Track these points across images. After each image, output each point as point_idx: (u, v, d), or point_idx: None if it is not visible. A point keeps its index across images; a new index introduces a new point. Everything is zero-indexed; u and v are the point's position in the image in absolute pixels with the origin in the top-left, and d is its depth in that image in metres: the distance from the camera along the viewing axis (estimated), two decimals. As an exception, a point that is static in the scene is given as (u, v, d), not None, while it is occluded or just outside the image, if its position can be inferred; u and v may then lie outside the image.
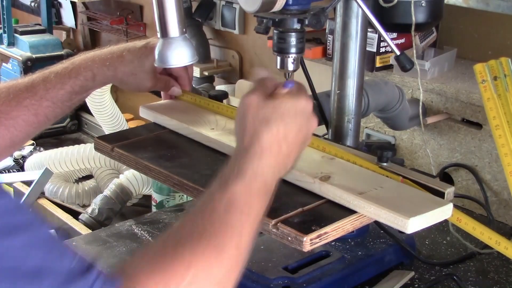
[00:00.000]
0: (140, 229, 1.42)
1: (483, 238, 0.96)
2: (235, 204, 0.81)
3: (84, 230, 1.81)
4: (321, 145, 1.08)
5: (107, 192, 2.03)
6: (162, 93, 1.30)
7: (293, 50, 1.13)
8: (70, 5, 3.07)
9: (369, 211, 0.90)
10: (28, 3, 3.28)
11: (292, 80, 1.01)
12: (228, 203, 0.81)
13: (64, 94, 1.15)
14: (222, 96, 1.88)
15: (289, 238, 0.88)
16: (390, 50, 1.51)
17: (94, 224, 1.95)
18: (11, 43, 2.88)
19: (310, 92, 1.30)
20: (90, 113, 2.51)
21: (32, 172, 2.20)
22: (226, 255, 0.77)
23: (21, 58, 2.78)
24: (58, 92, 1.14)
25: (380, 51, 1.62)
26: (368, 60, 1.55)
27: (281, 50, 1.13)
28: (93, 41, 3.12)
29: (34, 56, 2.79)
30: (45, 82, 1.14)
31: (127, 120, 2.51)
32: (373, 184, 0.96)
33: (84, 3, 2.96)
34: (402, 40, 1.59)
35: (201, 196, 0.85)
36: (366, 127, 1.71)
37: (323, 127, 1.31)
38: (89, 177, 2.40)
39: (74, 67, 1.16)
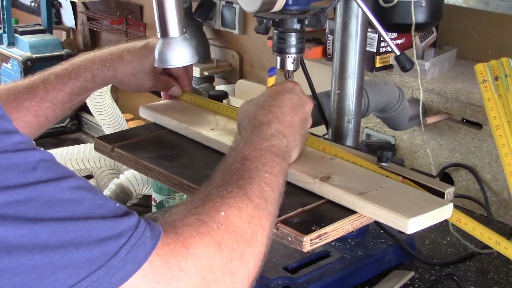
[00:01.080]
0: (140, 229, 1.41)
1: (483, 238, 0.96)
2: (248, 160, 0.85)
3: (84, 230, 1.80)
4: (321, 145, 1.08)
5: (107, 192, 2.03)
6: (162, 93, 1.30)
7: (293, 50, 1.13)
8: (70, 5, 3.07)
9: (369, 211, 0.90)
10: (28, 3, 3.29)
11: (273, 67, 1.09)
12: (243, 159, 0.85)
13: (64, 95, 1.15)
14: (222, 96, 1.89)
15: (289, 238, 0.87)
16: (390, 50, 1.51)
17: (94, 224, 1.94)
18: (11, 43, 2.88)
19: (309, 92, 1.30)
20: (90, 113, 2.51)
21: (32, 172, 2.19)
22: (251, 195, 0.79)
23: (21, 58, 2.78)
24: (58, 93, 1.14)
25: (380, 51, 1.62)
26: (368, 60, 1.55)
27: (281, 50, 1.13)
28: (93, 41, 3.12)
29: (34, 56, 2.79)
30: (45, 83, 1.14)
31: (127, 120, 2.52)
32: (373, 184, 0.96)
33: (84, 3, 2.96)
34: (402, 40, 1.59)
35: (216, 167, 0.87)
36: (366, 127, 1.71)
37: (323, 127, 1.31)
38: (89, 177, 2.40)
39: (74, 68, 1.16)
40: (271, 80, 1.07)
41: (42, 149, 0.69)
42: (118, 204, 0.68)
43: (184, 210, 0.75)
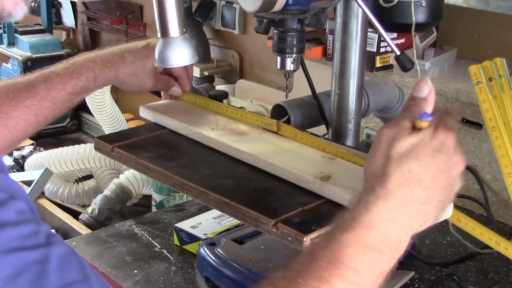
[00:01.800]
0: (140, 229, 1.42)
1: (483, 239, 0.96)
2: (340, 259, 0.69)
3: (84, 230, 1.81)
4: (321, 145, 1.08)
5: (107, 192, 2.03)
6: (162, 93, 1.30)
7: (293, 50, 1.13)
8: (70, 5, 3.06)
9: (369, 211, 0.90)
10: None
11: (426, 113, 0.78)
12: (332, 257, 0.69)
13: (64, 95, 1.15)
14: (222, 96, 1.89)
15: (289, 238, 0.87)
16: (390, 50, 1.51)
17: (94, 224, 1.95)
18: (11, 43, 2.88)
19: (310, 92, 1.30)
20: (90, 113, 2.51)
21: (32, 172, 2.20)
22: None
23: (21, 58, 2.78)
24: (59, 93, 1.14)
25: (380, 51, 1.62)
26: (368, 60, 1.55)
27: (281, 50, 1.13)
28: (93, 41, 3.12)
29: (34, 56, 2.79)
30: (46, 82, 1.14)
31: (127, 120, 2.51)
32: (373, 184, 0.96)
33: (84, 3, 2.96)
34: (402, 40, 1.58)
35: (306, 248, 0.75)
36: (366, 127, 1.71)
37: (323, 127, 1.31)
38: (89, 177, 2.40)
39: (76, 68, 1.16)
40: (421, 124, 0.79)
41: (53, 245, 0.61)
42: None
43: None
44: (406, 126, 0.76)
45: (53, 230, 0.65)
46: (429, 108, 0.79)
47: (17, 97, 1.11)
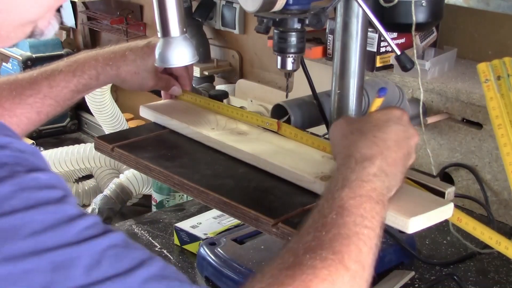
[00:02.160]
0: (140, 229, 1.42)
1: (484, 238, 0.96)
2: (346, 210, 0.76)
3: (84, 230, 1.80)
4: (322, 144, 1.08)
5: (107, 191, 2.03)
6: (162, 92, 1.30)
7: (293, 50, 1.13)
8: (70, 5, 3.06)
9: (369, 211, 0.90)
10: (28, 3, 3.28)
11: (384, 88, 0.98)
12: (339, 209, 0.76)
13: (67, 93, 1.15)
14: (222, 96, 1.89)
15: (290, 238, 0.87)
16: (390, 50, 1.51)
17: (94, 224, 1.94)
18: (11, 43, 2.88)
19: (310, 92, 1.30)
20: (90, 113, 2.51)
21: (32, 172, 2.19)
22: (347, 261, 0.71)
23: (21, 58, 2.78)
24: (61, 90, 1.14)
25: (381, 51, 1.62)
26: (368, 60, 1.54)
27: (282, 50, 1.13)
28: (93, 41, 3.12)
29: (34, 55, 2.79)
30: (49, 80, 1.14)
31: (127, 120, 2.51)
32: (374, 184, 0.96)
33: (84, 3, 2.96)
34: (403, 40, 1.58)
35: (310, 214, 0.78)
36: (366, 127, 1.71)
37: (323, 127, 1.31)
38: (89, 176, 2.40)
39: (79, 66, 1.16)
40: (378, 101, 0.99)
41: (113, 230, 0.62)
42: None
43: (270, 279, 0.67)
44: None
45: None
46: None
47: (20, 95, 1.11)
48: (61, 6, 0.71)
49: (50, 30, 0.72)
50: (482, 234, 0.95)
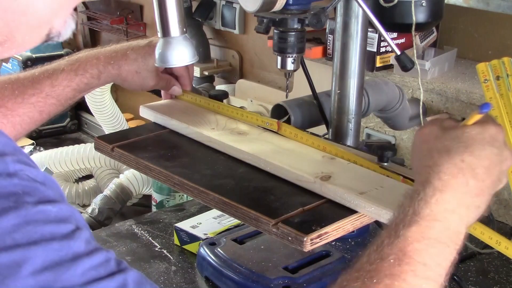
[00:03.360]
0: (140, 229, 1.42)
1: (484, 238, 0.96)
2: (408, 254, 0.69)
3: (84, 230, 1.80)
4: (322, 144, 1.08)
5: (107, 192, 2.03)
6: (162, 92, 1.30)
7: (293, 50, 1.13)
8: (70, 5, 3.06)
9: (370, 211, 0.90)
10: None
11: (487, 103, 0.82)
12: (400, 253, 0.69)
13: (69, 92, 1.14)
14: (222, 96, 1.88)
15: (290, 238, 0.87)
16: (390, 50, 1.51)
17: (94, 224, 1.95)
18: (11, 43, 2.88)
19: (310, 92, 1.30)
20: (90, 113, 2.51)
21: (32, 172, 2.19)
22: None
23: (21, 58, 2.78)
24: (64, 89, 1.14)
25: (381, 51, 1.62)
26: (368, 60, 1.55)
27: (282, 50, 1.13)
28: (93, 41, 3.12)
29: (34, 55, 2.79)
30: (51, 79, 1.13)
31: (127, 120, 2.52)
32: (374, 184, 0.96)
33: (84, 3, 2.96)
34: (403, 40, 1.58)
35: (368, 247, 0.72)
36: (366, 127, 1.71)
37: (323, 127, 1.31)
38: (89, 176, 2.40)
39: (81, 64, 1.16)
40: (476, 117, 0.82)
41: (125, 270, 0.59)
42: None
43: None
44: (449, 121, 0.79)
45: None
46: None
47: (23, 94, 1.11)
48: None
49: (67, 30, 0.69)
50: (482, 234, 0.95)
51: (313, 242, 0.86)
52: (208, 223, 1.35)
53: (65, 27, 0.68)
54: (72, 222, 0.59)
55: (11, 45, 0.64)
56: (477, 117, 0.82)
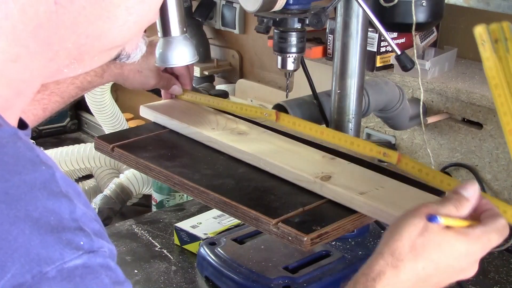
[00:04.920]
0: (140, 228, 1.42)
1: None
2: None
3: (84, 230, 1.80)
4: (319, 130, 1.08)
5: (107, 191, 2.03)
6: (162, 92, 1.30)
7: (293, 49, 1.13)
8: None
9: (370, 211, 0.90)
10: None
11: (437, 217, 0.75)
12: None
13: (73, 89, 1.15)
14: (222, 96, 1.88)
15: (290, 238, 0.87)
16: (390, 49, 1.51)
17: (94, 223, 1.94)
18: (11, 43, 2.88)
19: (310, 92, 1.30)
20: (90, 113, 2.51)
21: (32, 172, 2.19)
22: None
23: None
24: (68, 86, 1.14)
25: (381, 51, 1.62)
26: (368, 60, 1.54)
27: (282, 49, 1.13)
28: (93, 40, 3.12)
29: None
30: None
31: (127, 120, 2.51)
32: (374, 184, 0.96)
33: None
34: (403, 40, 1.58)
35: None
36: (367, 127, 1.71)
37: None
38: (89, 176, 2.39)
39: None
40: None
41: None
42: None
43: None
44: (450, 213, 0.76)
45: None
46: (466, 209, 0.77)
47: None
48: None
49: (138, 54, 0.68)
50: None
51: (313, 242, 0.86)
52: (208, 223, 1.35)
53: (136, 51, 0.67)
54: (113, 256, 0.58)
55: (77, 66, 0.63)
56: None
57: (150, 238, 1.38)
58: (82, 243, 0.53)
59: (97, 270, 0.53)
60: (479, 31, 1.09)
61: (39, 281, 0.50)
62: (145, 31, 0.68)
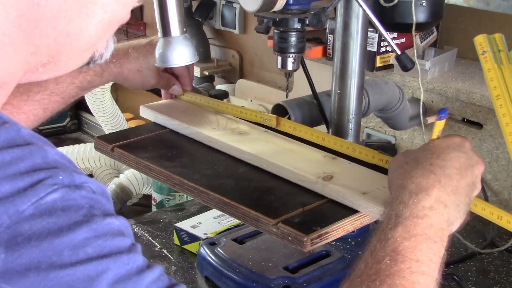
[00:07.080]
0: (140, 228, 1.42)
1: (485, 214, 0.95)
2: (401, 253, 0.72)
3: (84, 230, 1.80)
4: (320, 135, 1.08)
5: (107, 191, 2.03)
6: (162, 92, 1.30)
7: (293, 49, 1.13)
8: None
9: (372, 211, 0.90)
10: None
11: (445, 108, 0.88)
12: (393, 254, 0.72)
13: (73, 89, 1.15)
14: (222, 96, 1.89)
15: (290, 238, 0.87)
16: (390, 49, 1.51)
17: (94, 223, 1.94)
18: (11, 43, 2.88)
19: (310, 92, 1.30)
20: (90, 113, 2.51)
21: (32, 172, 2.19)
22: None
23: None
24: (68, 86, 1.14)
25: (381, 51, 1.62)
26: (368, 60, 1.55)
27: (282, 49, 1.13)
28: (93, 40, 3.12)
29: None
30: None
31: (127, 120, 2.51)
32: (376, 184, 0.96)
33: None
34: (403, 40, 1.58)
35: (362, 254, 0.76)
36: (367, 127, 1.71)
37: (324, 126, 1.31)
38: (89, 176, 2.39)
39: None
40: (439, 125, 0.89)
41: (177, 284, 0.60)
42: None
43: None
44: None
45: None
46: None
47: (28, 91, 1.10)
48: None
49: (108, 51, 0.69)
50: (483, 210, 0.95)
51: (313, 242, 0.86)
52: (208, 223, 1.35)
53: (107, 49, 0.69)
54: (130, 235, 0.60)
55: (53, 67, 0.64)
56: (439, 124, 0.88)
57: (150, 238, 1.38)
58: (60, 177, 0.55)
59: (80, 203, 0.55)
60: (479, 41, 1.09)
61: (17, 220, 0.52)
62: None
